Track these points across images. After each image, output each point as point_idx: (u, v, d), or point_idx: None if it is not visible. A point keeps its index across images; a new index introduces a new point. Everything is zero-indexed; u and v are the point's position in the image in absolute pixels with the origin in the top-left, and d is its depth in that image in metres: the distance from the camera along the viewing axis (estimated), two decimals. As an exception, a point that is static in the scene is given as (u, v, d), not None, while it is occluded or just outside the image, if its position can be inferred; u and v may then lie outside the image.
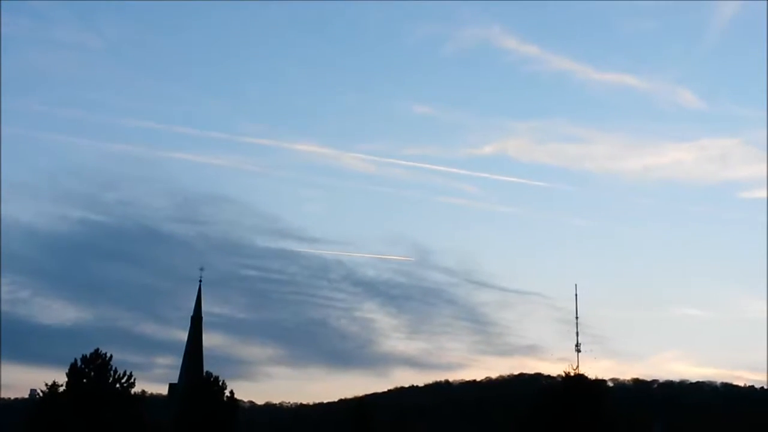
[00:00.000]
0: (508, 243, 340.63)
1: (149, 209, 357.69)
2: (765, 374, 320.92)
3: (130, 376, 52.31)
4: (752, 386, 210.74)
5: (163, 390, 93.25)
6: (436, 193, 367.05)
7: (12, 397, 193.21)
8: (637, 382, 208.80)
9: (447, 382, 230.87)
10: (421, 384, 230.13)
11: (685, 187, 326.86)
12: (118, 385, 51.67)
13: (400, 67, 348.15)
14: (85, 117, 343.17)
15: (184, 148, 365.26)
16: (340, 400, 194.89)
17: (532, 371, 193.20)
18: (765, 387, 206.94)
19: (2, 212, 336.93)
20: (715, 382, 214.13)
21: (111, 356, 52.32)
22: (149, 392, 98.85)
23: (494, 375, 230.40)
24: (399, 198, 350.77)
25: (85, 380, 51.11)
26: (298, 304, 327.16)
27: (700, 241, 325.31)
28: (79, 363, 51.52)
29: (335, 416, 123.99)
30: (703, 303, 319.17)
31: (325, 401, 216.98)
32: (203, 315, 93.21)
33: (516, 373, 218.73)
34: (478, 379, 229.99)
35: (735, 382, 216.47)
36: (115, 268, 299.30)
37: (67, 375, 51.28)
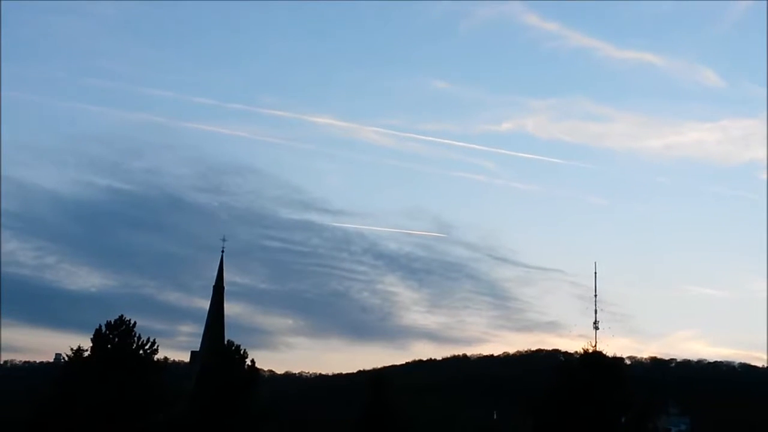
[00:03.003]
0: (527, 219, 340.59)
1: (173, 178, 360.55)
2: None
3: (154, 342, 53.13)
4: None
5: (185, 357, 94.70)
6: (455, 168, 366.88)
7: (38, 361, 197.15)
8: (655, 361, 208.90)
9: (465, 356, 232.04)
10: (439, 357, 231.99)
11: (705, 167, 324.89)
12: (141, 352, 52.46)
13: (420, 42, 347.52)
14: (110, 86, 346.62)
15: (207, 118, 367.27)
16: (359, 372, 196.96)
17: (550, 347, 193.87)
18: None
19: (29, 179, 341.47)
20: (733, 362, 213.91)
21: (135, 323, 53.18)
22: (172, 359, 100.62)
23: (512, 350, 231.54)
24: (417, 172, 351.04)
25: (109, 346, 51.94)
26: (320, 275, 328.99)
27: (720, 221, 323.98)
28: (103, 329, 52.39)
29: (354, 387, 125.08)
30: (722, 283, 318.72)
31: (344, 372, 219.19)
32: (225, 284, 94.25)
33: (534, 349, 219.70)
34: (496, 354, 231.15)
35: (753, 363, 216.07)
36: (140, 236, 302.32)
37: (92, 340, 52.11)
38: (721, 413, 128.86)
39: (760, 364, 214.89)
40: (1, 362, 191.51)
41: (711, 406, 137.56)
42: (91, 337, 52.31)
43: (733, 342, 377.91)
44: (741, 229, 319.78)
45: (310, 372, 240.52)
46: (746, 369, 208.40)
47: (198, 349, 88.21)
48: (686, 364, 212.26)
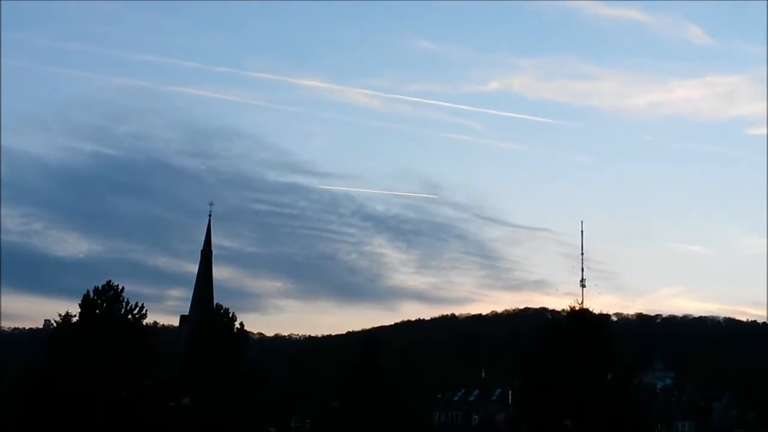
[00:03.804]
0: (515, 179, 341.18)
1: (160, 142, 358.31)
2: (766, 309, 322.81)
3: (142, 307, 53.17)
4: (755, 321, 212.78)
5: (175, 321, 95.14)
6: (442, 129, 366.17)
7: (27, 327, 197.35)
8: (641, 317, 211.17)
9: (453, 315, 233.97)
10: (427, 318, 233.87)
11: (691, 124, 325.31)
12: (129, 316, 52.51)
13: (405, 3, 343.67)
14: (94, 51, 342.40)
15: (192, 82, 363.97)
16: (348, 333, 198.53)
17: (537, 306, 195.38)
18: (767, 321, 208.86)
19: (13, 146, 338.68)
20: (718, 317, 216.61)
21: (123, 288, 53.14)
22: (161, 323, 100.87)
23: (500, 309, 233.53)
24: (405, 134, 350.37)
25: (97, 311, 51.95)
26: (308, 238, 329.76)
27: (705, 179, 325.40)
28: (91, 294, 52.34)
29: (343, 348, 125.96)
30: (707, 239, 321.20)
31: (333, 334, 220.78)
32: (213, 248, 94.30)
33: (522, 307, 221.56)
34: (484, 314, 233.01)
35: (738, 317, 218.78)
36: (127, 201, 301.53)
37: (80, 306, 52.11)
38: (706, 368, 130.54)
39: (744, 318, 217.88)
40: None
41: (696, 361, 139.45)
42: (79, 302, 52.30)
43: (718, 297, 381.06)
44: (727, 186, 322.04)
45: (300, 334, 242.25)
46: (731, 323, 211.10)
47: (187, 313, 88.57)
48: (672, 319, 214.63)
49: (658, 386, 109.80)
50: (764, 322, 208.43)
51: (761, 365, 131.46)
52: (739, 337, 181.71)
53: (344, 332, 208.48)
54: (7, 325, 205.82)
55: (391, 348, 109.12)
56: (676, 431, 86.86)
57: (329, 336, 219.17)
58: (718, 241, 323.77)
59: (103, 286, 52.75)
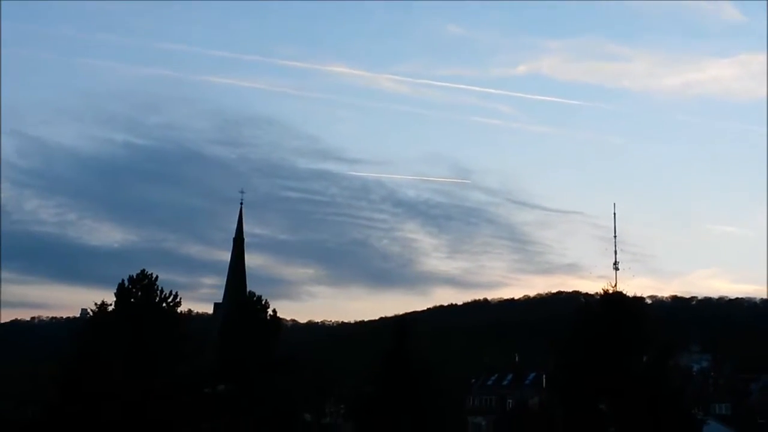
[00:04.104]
0: (546, 162, 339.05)
1: (191, 132, 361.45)
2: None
3: (176, 295, 53.62)
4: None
5: (209, 309, 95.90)
6: (471, 113, 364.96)
7: (64, 316, 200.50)
8: (676, 299, 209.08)
9: (486, 300, 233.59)
10: (460, 303, 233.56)
11: (724, 104, 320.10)
12: (164, 305, 53.01)
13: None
14: (124, 41, 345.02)
15: (222, 71, 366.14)
16: (381, 319, 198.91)
17: (570, 289, 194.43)
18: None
19: (48, 137, 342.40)
20: (755, 298, 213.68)
21: (157, 276, 53.66)
22: (195, 311, 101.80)
23: (533, 293, 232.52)
24: (434, 119, 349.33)
25: (132, 300, 52.53)
26: (340, 225, 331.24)
27: (738, 158, 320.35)
28: (126, 283, 52.91)
29: (376, 334, 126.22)
30: (741, 220, 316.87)
31: (365, 320, 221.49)
32: (245, 236, 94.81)
33: (555, 291, 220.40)
34: (517, 298, 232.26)
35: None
36: (159, 191, 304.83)
37: (115, 294, 52.73)
38: (743, 349, 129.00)
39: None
40: (28, 318, 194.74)
41: (732, 343, 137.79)
42: (115, 291, 52.91)
43: (754, 278, 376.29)
44: (761, 166, 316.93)
45: (332, 321, 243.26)
46: (767, 304, 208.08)
47: (221, 301, 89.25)
48: (707, 301, 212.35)
49: (695, 368, 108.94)
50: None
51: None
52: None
53: (377, 318, 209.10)
54: (46, 314, 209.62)
55: (423, 333, 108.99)
56: (713, 413, 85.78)
57: (362, 322, 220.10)
58: (752, 222, 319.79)
59: (137, 274, 53.30)
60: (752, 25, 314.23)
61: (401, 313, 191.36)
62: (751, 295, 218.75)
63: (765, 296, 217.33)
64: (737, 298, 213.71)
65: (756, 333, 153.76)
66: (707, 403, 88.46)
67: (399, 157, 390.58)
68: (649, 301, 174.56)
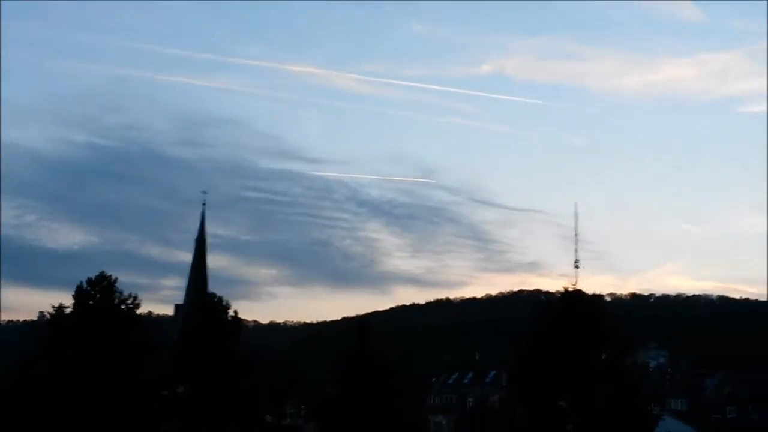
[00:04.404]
0: (508, 161, 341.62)
1: (152, 132, 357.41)
2: (760, 287, 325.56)
3: (136, 297, 53.04)
4: (747, 298, 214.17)
5: (170, 311, 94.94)
6: (435, 113, 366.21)
7: (21, 319, 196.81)
8: (634, 297, 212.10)
9: (448, 299, 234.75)
10: (422, 302, 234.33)
11: (683, 103, 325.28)
12: (123, 306, 52.44)
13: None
14: (85, 41, 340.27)
15: (184, 71, 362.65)
16: (343, 319, 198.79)
17: (532, 288, 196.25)
18: (761, 299, 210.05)
19: (6, 138, 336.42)
20: (711, 295, 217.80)
21: (116, 278, 52.99)
22: (156, 313, 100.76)
23: (495, 292, 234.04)
24: (397, 118, 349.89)
25: (90, 302, 51.86)
26: (302, 224, 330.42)
27: (698, 157, 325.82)
28: (84, 285, 52.21)
29: (338, 334, 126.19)
30: (699, 218, 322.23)
31: (328, 320, 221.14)
32: (207, 237, 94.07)
33: (516, 289, 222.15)
34: (479, 296, 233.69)
35: (731, 295, 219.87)
36: (120, 192, 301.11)
37: (73, 297, 52.00)
38: (699, 345, 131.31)
39: (738, 296, 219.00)
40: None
41: (689, 339, 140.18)
42: (73, 293, 52.17)
43: (711, 275, 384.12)
44: (720, 165, 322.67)
45: (295, 321, 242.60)
46: (724, 301, 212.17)
47: (182, 303, 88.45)
48: (665, 298, 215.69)
49: (652, 365, 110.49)
50: (757, 300, 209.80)
51: (754, 342, 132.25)
52: (732, 314, 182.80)
53: (339, 318, 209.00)
54: (3, 317, 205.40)
55: (386, 332, 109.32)
56: (669, 409, 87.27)
57: (324, 322, 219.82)
58: (711, 220, 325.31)
59: (96, 276, 52.58)
60: (712, 24, 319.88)
61: (363, 312, 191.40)
62: (709, 292, 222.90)
63: (722, 293, 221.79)
64: (694, 295, 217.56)
65: (712, 330, 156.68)
66: (664, 398, 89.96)
67: (362, 157, 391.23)
68: (608, 299, 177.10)
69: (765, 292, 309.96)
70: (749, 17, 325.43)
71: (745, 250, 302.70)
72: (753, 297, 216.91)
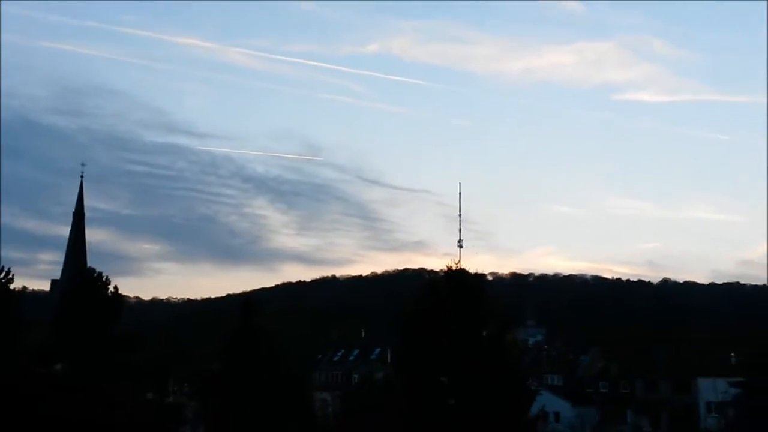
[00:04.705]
0: (395, 141, 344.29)
1: (26, 99, 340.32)
2: (631, 267, 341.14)
3: (9, 271, 51.07)
4: (619, 278, 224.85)
5: (46, 286, 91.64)
6: (322, 90, 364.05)
7: None
8: (515, 276, 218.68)
9: (334, 277, 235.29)
10: (308, 279, 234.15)
11: (562, 89, 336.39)
12: (-5, 281, 50.28)
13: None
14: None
15: (61, 37, 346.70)
16: (228, 296, 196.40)
17: (417, 266, 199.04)
18: (631, 279, 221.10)
19: None
20: (586, 275, 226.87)
21: (-13, 252, 50.74)
22: (31, 288, 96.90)
23: (380, 270, 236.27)
24: (284, 94, 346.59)
25: (-41, 276, 49.50)
26: (187, 200, 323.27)
27: (574, 142, 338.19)
28: (-48, 259, 49.75)
29: (223, 311, 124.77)
30: (575, 201, 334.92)
31: (212, 297, 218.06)
32: (86, 211, 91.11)
33: (401, 268, 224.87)
34: (365, 275, 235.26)
35: (604, 275, 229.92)
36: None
37: (-60, 271, 49.49)
38: (574, 323, 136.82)
39: (610, 276, 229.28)
40: None
41: (565, 317, 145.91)
42: (-61, 267, 49.63)
43: (586, 256, 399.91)
44: (594, 150, 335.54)
45: (179, 297, 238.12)
46: (598, 281, 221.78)
47: (59, 278, 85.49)
48: (543, 278, 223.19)
49: (530, 342, 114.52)
50: (628, 279, 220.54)
51: (625, 320, 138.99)
52: (605, 293, 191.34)
53: (224, 295, 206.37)
54: None
55: (271, 310, 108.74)
56: (546, 383, 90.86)
57: (209, 299, 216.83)
58: (585, 202, 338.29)
59: (-35, 249, 50.28)
60: (590, 14, 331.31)
61: (249, 290, 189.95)
62: (583, 272, 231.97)
63: (596, 273, 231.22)
64: (570, 275, 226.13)
65: (587, 308, 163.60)
66: (541, 374, 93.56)
67: (248, 133, 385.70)
68: (490, 278, 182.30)
69: (636, 272, 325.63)
70: (623, 10, 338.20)
71: (617, 232, 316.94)
72: (624, 277, 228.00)
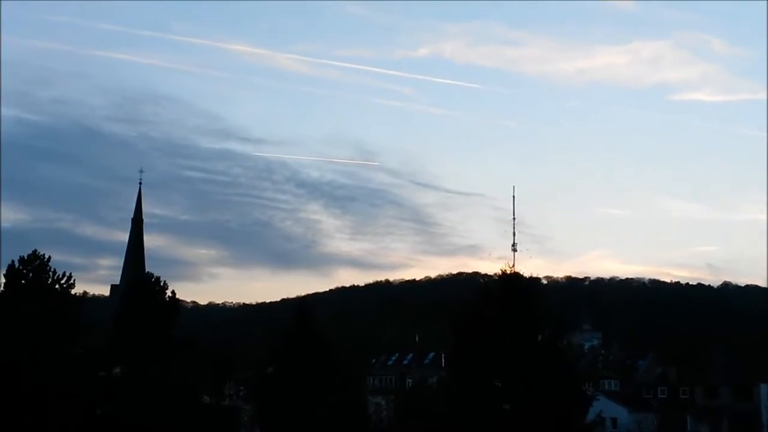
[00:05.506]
0: (447, 145, 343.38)
1: (86, 108, 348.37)
2: (690, 270, 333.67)
3: (70, 276, 52.11)
4: (678, 282, 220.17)
5: (106, 291, 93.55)
6: (373, 94, 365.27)
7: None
8: (570, 280, 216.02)
9: (387, 281, 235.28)
10: (362, 284, 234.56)
11: (616, 90, 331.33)
12: (57, 286, 51.41)
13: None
14: (15, 12, 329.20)
15: (117, 45, 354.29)
16: (283, 300, 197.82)
17: (471, 270, 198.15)
18: (690, 282, 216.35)
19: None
20: (643, 278, 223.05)
21: (49, 257, 51.95)
22: (91, 293, 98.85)
23: (434, 274, 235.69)
24: (336, 99, 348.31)
25: (23, 281, 50.73)
26: (242, 205, 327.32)
27: (629, 143, 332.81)
28: (17, 264, 51.03)
29: (278, 315, 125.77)
30: (631, 203, 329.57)
31: (267, 301, 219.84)
32: (144, 217, 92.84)
33: (455, 272, 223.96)
34: (418, 279, 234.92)
35: (662, 279, 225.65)
36: (53, 169, 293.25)
37: (5, 276, 50.92)
38: (631, 327, 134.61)
39: (668, 280, 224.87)
40: None
41: (622, 322, 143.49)
42: (4, 273, 51.07)
43: (643, 260, 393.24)
44: (650, 151, 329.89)
45: (234, 302, 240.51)
46: (655, 284, 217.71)
47: (118, 283, 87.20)
48: (599, 282, 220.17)
49: (586, 346, 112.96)
50: (687, 283, 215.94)
51: (683, 324, 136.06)
52: (663, 297, 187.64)
53: (279, 299, 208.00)
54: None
55: (326, 314, 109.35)
56: (603, 389, 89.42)
57: (263, 303, 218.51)
58: (640, 205, 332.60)
59: (28, 255, 51.45)
60: (644, 13, 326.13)
61: (304, 294, 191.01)
62: (640, 276, 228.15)
63: (653, 276, 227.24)
64: (627, 279, 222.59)
65: (644, 312, 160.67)
66: (597, 379, 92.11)
67: (302, 138, 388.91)
68: (545, 282, 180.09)
69: (695, 275, 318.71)
70: (679, 8, 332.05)
71: (675, 235, 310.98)
72: (683, 280, 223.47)
